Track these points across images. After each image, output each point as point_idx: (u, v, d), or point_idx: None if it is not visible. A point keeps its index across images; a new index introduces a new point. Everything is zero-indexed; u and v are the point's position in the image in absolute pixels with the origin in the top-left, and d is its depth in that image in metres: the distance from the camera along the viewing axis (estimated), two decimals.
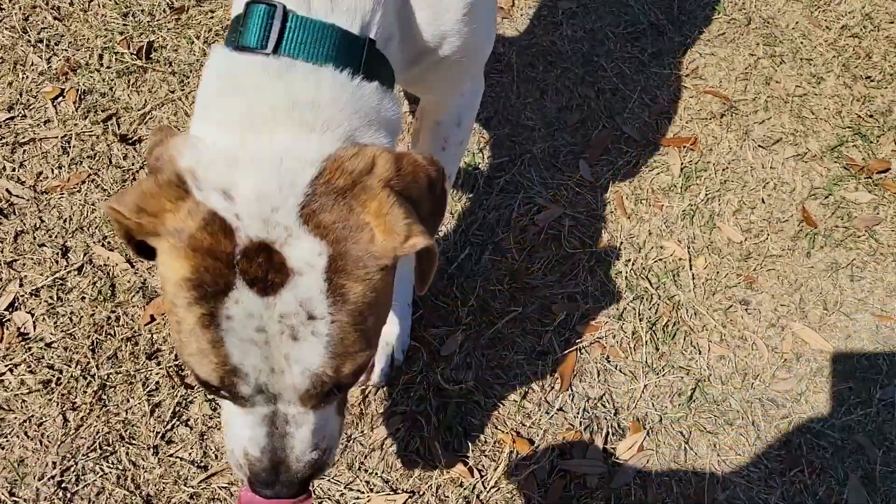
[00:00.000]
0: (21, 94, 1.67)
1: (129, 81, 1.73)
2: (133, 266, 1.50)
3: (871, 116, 1.98)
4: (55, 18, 1.79)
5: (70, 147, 1.62)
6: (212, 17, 1.87)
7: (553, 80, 1.93)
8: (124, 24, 1.81)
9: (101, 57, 1.75)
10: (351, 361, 0.82)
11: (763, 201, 1.80)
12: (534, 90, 1.90)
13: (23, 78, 1.69)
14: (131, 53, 1.76)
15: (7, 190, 1.55)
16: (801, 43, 2.10)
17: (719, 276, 1.69)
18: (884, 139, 1.94)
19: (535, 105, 1.88)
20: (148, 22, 1.83)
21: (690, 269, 1.69)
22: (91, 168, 1.60)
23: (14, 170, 1.58)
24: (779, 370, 1.57)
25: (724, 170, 1.84)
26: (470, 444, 1.41)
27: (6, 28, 1.75)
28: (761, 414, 1.51)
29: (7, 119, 1.63)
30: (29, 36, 1.75)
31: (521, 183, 1.75)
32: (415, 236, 0.79)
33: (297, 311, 0.78)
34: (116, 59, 1.75)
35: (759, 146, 1.89)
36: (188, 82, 1.76)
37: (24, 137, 1.62)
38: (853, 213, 1.81)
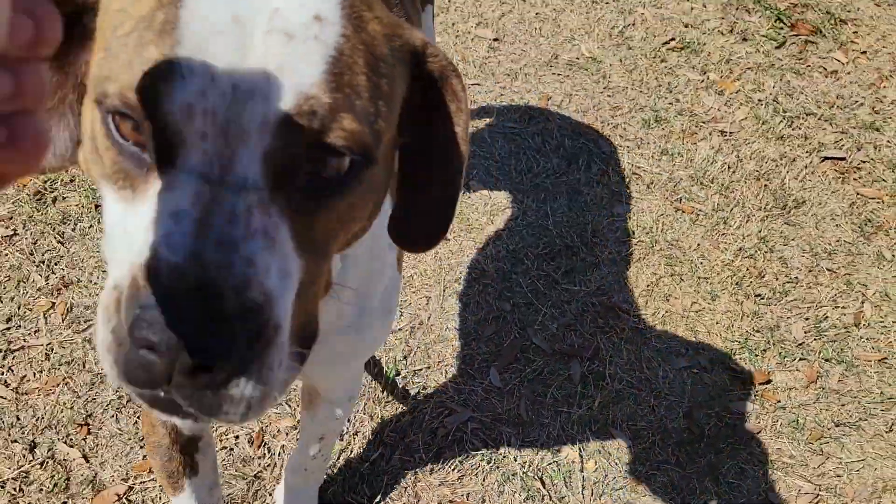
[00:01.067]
0: (19, 307, 2.01)
1: None
2: (87, 461, 1.76)
3: (758, 332, 2.23)
4: (59, 242, 2.17)
5: (52, 353, 1.93)
6: None
7: (475, 294, 2.23)
8: None
9: (91, 274, 2.11)
10: (351, 116, 0.61)
11: (653, 410, 2.03)
12: (456, 304, 2.21)
13: (23, 293, 2.05)
14: None
15: None
16: (700, 263, 2.40)
17: (607, 479, 1.89)
18: (769, 353, 2.18)
19: (456, 317, 2.18)
20: None
21: (581, 471, 1.90)
22: (66, 372, 1.90)
23: (3, 373, 1.89)
24: None
25: (620, 380, 2.08)
26: None
27: (17, 250, 2.13)
28: None
29: (4, 329, 1.97)
30: (34, 257, 2.12)
31: (436, 388, 2.01)
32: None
33: (300, 9, 0.60)
34: (103, 276, 2.10)
35: (654, 358, 2.14)
36: None
37: (15, 345, 1.94)
38: (736, 423, 2.02)
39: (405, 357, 2.08)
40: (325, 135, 0.60)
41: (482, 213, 2.44)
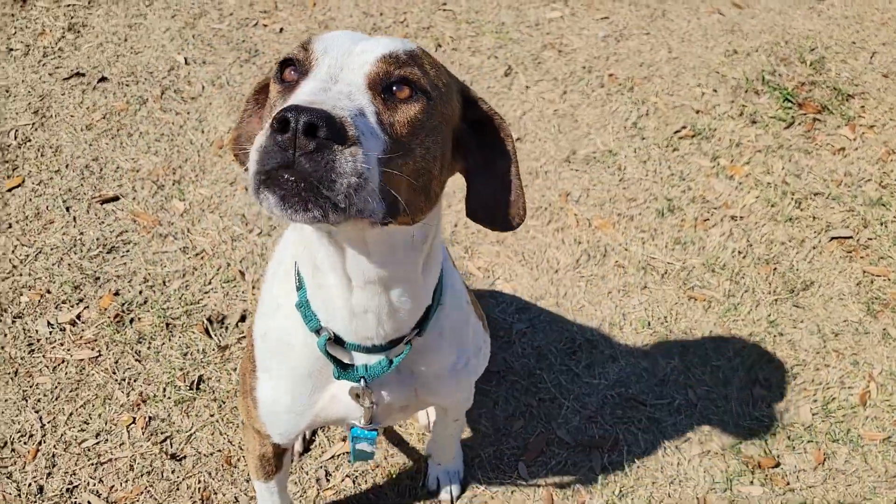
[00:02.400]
0: (106, 423, 2.33)
1: (182, 409, 2.37)
2: None
3: (767, 416, 2.40)
4: (136, 360, 2.49)
5: (135, 464, 2.23)
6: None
7: (503, 391, 2.46)
8: (183, 362, 2.48)
9: (164, 389, 2.41)
10: (416, 69, 1.02)
11: (669, 496, 2.21)
12: (488, 401, 2.44)
13: (109, 409, 2.36)
14: (186, 386, 2.42)
15: (88, 501, 2.15)
16: (713, 351, 2.58)
17: None
18: (779, 436, 2.35)
19: (488, 414, 2.41)
20: (201, 359, 2.50)
21: None
22: (147, 482, 2.19)
23: (95, 484, 2.19)
24: None
25: (637, 467, 2.28)
26: None
27: (102, 370, 2.45)
28: None
29: (94, 443, 2.27)
30: (116, 376, 2.44)
31: (469, 483, 2.23)
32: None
33: (392, 38, 1.07)
34: (175, 391, 2.41)
35: (670, 445, 2.33)
36: (225, 407, 2.38)
37: (104, 458, 2.24)
38: None
39: None
40: (399, 69, 1.01)
41: (508, 312, 2.69)
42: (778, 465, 2.27)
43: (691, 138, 3.45)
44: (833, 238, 2.98)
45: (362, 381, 1.30)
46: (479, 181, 1.21)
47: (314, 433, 2.34)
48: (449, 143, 1.12)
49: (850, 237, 2.99)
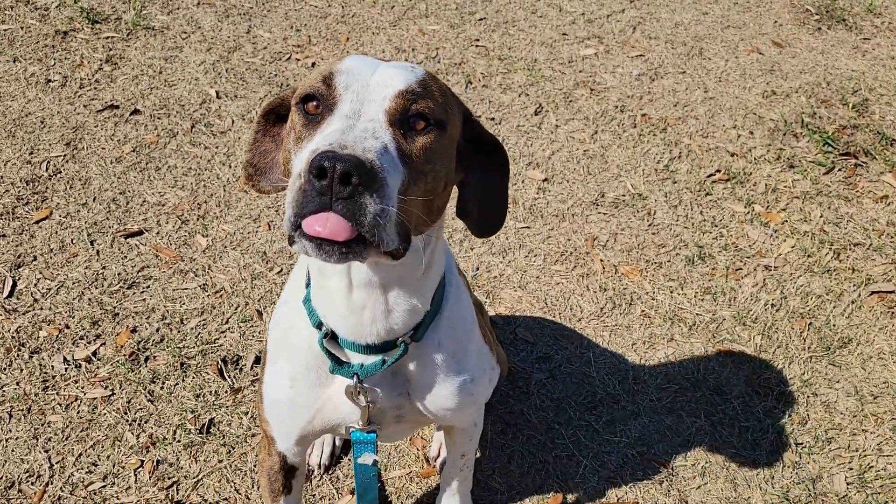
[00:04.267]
0: (114, 465, 2.30)
1: (191, 453, 2.33)
2: None
3: (799, 483, 2.27)
4: (149, 400, 2.46)
5: None
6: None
7: (519, 445, 2.38)
8: (195, 404, 2.45)
9: (174, 433, 2.38)
10: (429, 101, 1.12)
11: None
12: (502, 455, 2.35)
13: (118, 451, 2.33)
14: (196, 429, 2.38)
15: None
16: (742, 410, 2.47)
17: None
18: None
19: (502, 470, 2.32)
20: (213, 401, 2.47)
21: None
22: None
23: None
24: None
25: None
26: None
27: (114, 409, 2.44)
28: None
29: (101, 487, 2.25)
30: (128, 416, 2.42)
31: None
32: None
33: (402, 64, 1.17)
34: (185, 434, 2.37)
35: None
36: (234, 452, 2.34)
37: (110, 503, 2.21)
38: None
39: None
40: (415, 104, 1.11)
41: (528, 361, 2.61)
42: None
43: (725, 182, 3.35)
44: (874, 292, 2.84)
45: (355, 377, 1.36)
46: (472, 190, 1.33)
47: (342, 451, 2.30)
48: (454, 160, 1.24)
49: (893, 291, 2.84)
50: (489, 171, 1.32)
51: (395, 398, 1.46)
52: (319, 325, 1.37)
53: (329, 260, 1.01)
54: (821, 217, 3.17)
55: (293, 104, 1.18)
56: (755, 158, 3.47)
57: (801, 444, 2.38)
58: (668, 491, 2.26)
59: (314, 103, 1.13)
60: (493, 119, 3.71)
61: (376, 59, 1.18)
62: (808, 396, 2.51)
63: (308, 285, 1.40)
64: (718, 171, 3.40)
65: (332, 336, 1.36)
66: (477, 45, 4.16)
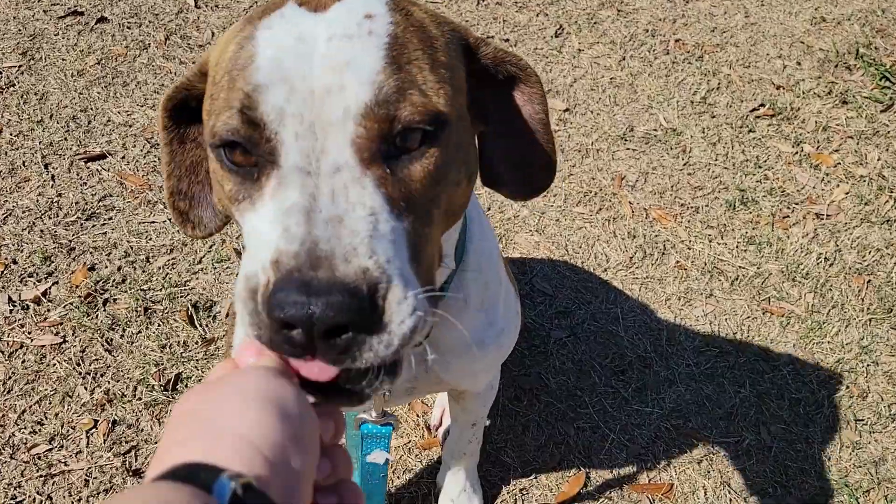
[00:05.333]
0: (62, 426, 1.97)
1: (153, 413, 2.00)
2: None
3: (859, 466, 1.96)
4: (106, 350, 2.12)
5: (91, 479, 1.87)
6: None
7: (535, 414, 2.05)
8: (160, 356, 2.11)
9: (135, 389, 2.04)
10: (416, 91, 0.72)
11: None
12: (516, 425, 2.03)
13: (68, 409, 2.00)
14: (160, 386, 2.04)
15: None
16: (792, 379, 2.14)
17: None
18: (873, 495, 1.91)
19: (514, 442, 2.00)
20: (181, 353, 2.12)
21: None
22: (104, 501, 1.83)
23: (42, 501, 1.83)
24: None
25: None
26: None
27: (65, 360, 2.09)
28: None
29: (47, 450, 1.92)
30: (81, 368, 2.08)
31: None
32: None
33: (351, 13, 0.73)
34: (147, 391, 2.04)
35: (737, 499, 1.90)
36: None
37: (56, 469, 1.89)
38: None
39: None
40: (398, 114, 0.70)
41: (545, 316, 2.26)
42: None
43: (770, 118, 2.96)
44: None
45: None
46: (500, 140, 0.93)
47: None
48: (472, 141, 0.89)
49: None
50: (513, 107, 0.92)
51: (408, 369, 1.15)
52: None
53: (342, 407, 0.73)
54: (878, 160, 2.80)
55: (208, 145, 0.78)
56: (803, 92, 3.07)
57: (862, 420, 2.06)
58: (708, 472, 1.95)
59: (240, 152, 0.74)
60: (507, 40, 3.28)
61: (307, 19, 0.73)
62: (869, 365, 2.18)
63: None
64: (762, 105, 3.00)
65: None
66: None
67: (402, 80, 0.71)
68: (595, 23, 3.40)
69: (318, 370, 0.68)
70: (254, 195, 0.74)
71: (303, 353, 0.66)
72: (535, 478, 1.93)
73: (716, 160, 2.78)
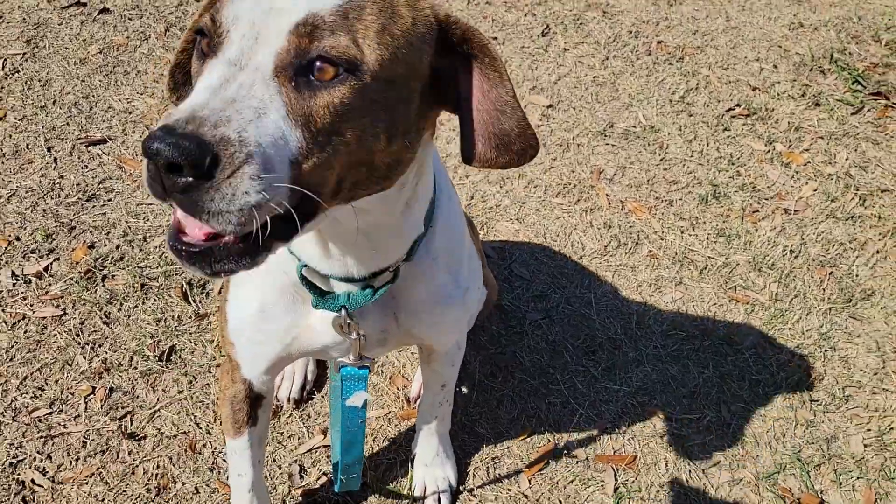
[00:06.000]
0: (62, 392, 2.08)
1: (148, 381, 2.11)
2: None
3: (812, 443, 2.08)
4: (104, 322, 2.23)
5: (88, 441, 1.98)
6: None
7: (509, 390, 2.17)
8: (156, 329, 2.22)
9: (131, 359, 2.16)
10: (347, 36, 0.82)
11: None
12: (491, 400, 2.15)
13: (67, 376, 2.11)
14: (155, 356, 2.16)
15: (32, 480, 1.91)
16: (754, 362, 2.26)
17: None
18: (823, 469, 2.03)
19: (489, 415, 2.12)
20: (175, 326, 2.24)
21: None
22: (101, 462, 1.95)
23: (42, 461, 1.95)
24: None
25: (656, 491, 1.98)
26: None
27: (65, 330, 2.20)
28: None
29: (47, 414, 2.03)
30: (80, 339, 2.19)
31: (461, 492, 1.96)
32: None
33: None
34: (142, 361, 2.15)
35: (696, 469, 2.02)
36: (196, 383, 2.12)
37: (55, 431, 2.00)
38: None
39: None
40: (319, 42, 0.81)
41: (522, 299, 2.38)
42: (822, 502, 1.96)
43: (745, 118, 3.08)
44: None
45: (343, 310, 1.19)
46: (473, 111, 0.99)
47: (314, 385, 2.10)
48: (410, 104, 0.94)
49: None
50: (480, 85, 0.98)
51: (381, 320, 1.30)
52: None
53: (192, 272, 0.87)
54: (847, 159, 2.92)
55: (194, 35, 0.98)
56: (778, 94, 3.20)
57: (817, 401, 2.18)
58: (670, 445, 2.07)
59: (206, 42, 0.88)
60: (495, 38, 3.41)
61: None
62: (826, 351, 2.30)
63: None
64: (738, 105, 3.13)
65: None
66: None
67: (340, 26, 0.82)
68: (581, 23, 3.53)
69: (191, 226, 0.82)
70: (202, 73, 0.86)
71: (162, 193, 0.78)
72: (507, 448, 2.05)
73: (691, 156, 2.91)
